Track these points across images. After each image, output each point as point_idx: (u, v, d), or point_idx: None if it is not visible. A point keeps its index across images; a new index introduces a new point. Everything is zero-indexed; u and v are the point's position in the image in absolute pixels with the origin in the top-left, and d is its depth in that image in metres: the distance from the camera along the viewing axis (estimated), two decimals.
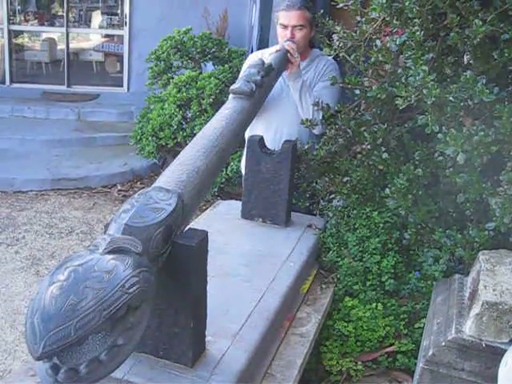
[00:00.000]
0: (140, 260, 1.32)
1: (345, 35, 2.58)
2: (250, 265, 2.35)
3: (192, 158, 1.76)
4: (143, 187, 5.86)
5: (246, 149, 2.76)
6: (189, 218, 1.69)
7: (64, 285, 1.20)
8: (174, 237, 1.52)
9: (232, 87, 2.25)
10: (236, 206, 2.92)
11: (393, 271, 2.46)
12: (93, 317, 1.17)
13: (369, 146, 2.66)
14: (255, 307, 2.05)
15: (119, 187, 5.90)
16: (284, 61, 2.70)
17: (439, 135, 2.20)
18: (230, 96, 2.28)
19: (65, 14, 8.34)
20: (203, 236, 1.60)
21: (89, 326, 1.16)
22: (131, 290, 1.24)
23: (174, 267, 1.54)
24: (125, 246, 1.32)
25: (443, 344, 1.82)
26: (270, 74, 2.45)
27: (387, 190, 2.44)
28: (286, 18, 2.87)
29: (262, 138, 2.71)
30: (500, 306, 1.73)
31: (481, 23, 2.03)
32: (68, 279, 1.21)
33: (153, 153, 5.48)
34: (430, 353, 1.83)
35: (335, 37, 2.61)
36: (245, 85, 2.21)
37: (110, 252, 1.29)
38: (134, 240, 1.36)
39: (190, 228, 1.65)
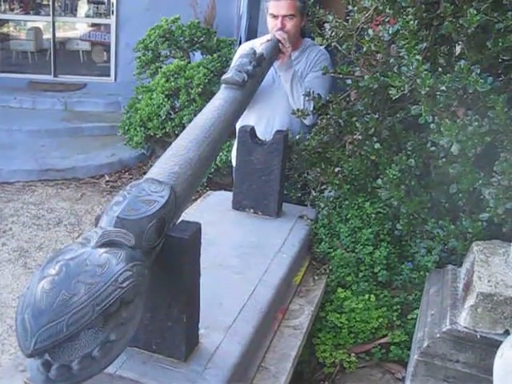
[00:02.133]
0: (133, 253, 1.29)
1: (337, 24, 2.55)
2: (241, 256, 2.33)
3: (184, 149, 1.73)
4: (131, 178, 5.83)
5: (237, 139, 2.73)
6: (181, 210, 1.66)
7: (55, 279, 1.18)
8: (166, 229, 1.49)
9: (224, 77, 2.21)
10: (227, 196, 2.90)
11: (385, 262, 2.45)
12: (85, 312, 1.14)
13: (360, 137, 2.64)
14: (248, 300, 2.03)
15: (107, 178, 5.85)
16: (275, 51, 2.67)
17: (432, 125, 2.19)
18: (222, 86, 2.25)
19: (51, 3, 8.21)
20: (196, 228, 1.57)
21: (81, 322, 1.14)
22: (124, 285, 1.21)
23: (166, 260, 1.51)
24: (117, 240, 1.30)
25: (438, 336, 1.81)
26: (261, 64, 2.41)
27: (379, 181, 2.43)
28: (276, 8, 2.83)
29: (253, 128, 2.68)
30: (495, 298, 1.73)
31: (475, 12, 2.01)
32: (59, 274, 1.19)
33: (141, 143, 5.46)
34: (425, 344, 1.82)
35: (327, 26, 2.58)
36: (237, 75, 2.18)
37: (102, 245, 1.26)
38: (127, 233, 1.33)
39: (182, 220, 1.62)
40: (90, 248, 1.25)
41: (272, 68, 2.80)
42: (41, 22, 9.08)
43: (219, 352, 1.73)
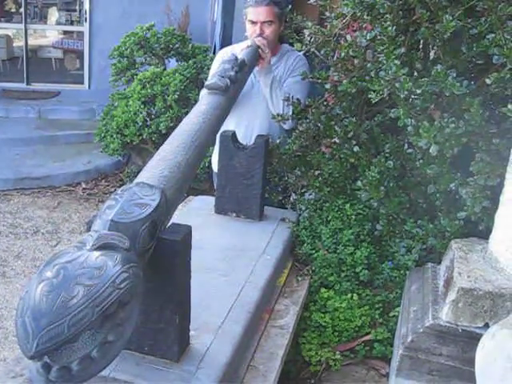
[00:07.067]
0: (128, 256, 1.32)
1: (315, 30, 2.61)
2: (227, 259, 2.37)
3: (173, 153, 1.76)
4: (108, 185, 5.81)
5: (218, 144, 2.76)
6: (171, 214, 1.69)
7: (54, 282, 1.19)
8: (158, 232, 1.52)
9: (207, 83, 2.25)
10: (209, 201, 2.93)
11: (366, 262, 2.51)
12: (85, 313, 1.16)
13: (339, 140, 2.70)
14: (235, 301, 2.06)
15: (83, 185, 5.83)
16: (255, 56, 2.72)
17: (409, 128, 2.25)
18: (205, 92, 2.29)
19: (23, 10, 8.14)
20: (187, 231, 1.61)
21: (82, 323, 1.15)
22: (122, 286, 1.23)
23: (159, 262, 1.54)
24: (112, 242, 1.32)
25: (421, 330, 1.87)
26: (243, 70, 2.46)
27: (359, 183, 2.49)
28: (255, 14, 2.89)
29: (234, 133, 2.72)
30: (475, 292, 1.79)
31: (450, 18, 2.08)
32: (57, 276, 1.20)
33: (117, 150, 5.43)
34: (409, 339, 1.88)
35: (306, 32, 2.63)
36: (220, 80, 2.22)
37: (97, 248, 1.28)
38: (121, 236, 1.35)
39: (173, 223, 1.65)
40: (86, 251, 1.27)
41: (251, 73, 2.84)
42: (12, 29, 8.99)
43: (210, 352, 1.76)
